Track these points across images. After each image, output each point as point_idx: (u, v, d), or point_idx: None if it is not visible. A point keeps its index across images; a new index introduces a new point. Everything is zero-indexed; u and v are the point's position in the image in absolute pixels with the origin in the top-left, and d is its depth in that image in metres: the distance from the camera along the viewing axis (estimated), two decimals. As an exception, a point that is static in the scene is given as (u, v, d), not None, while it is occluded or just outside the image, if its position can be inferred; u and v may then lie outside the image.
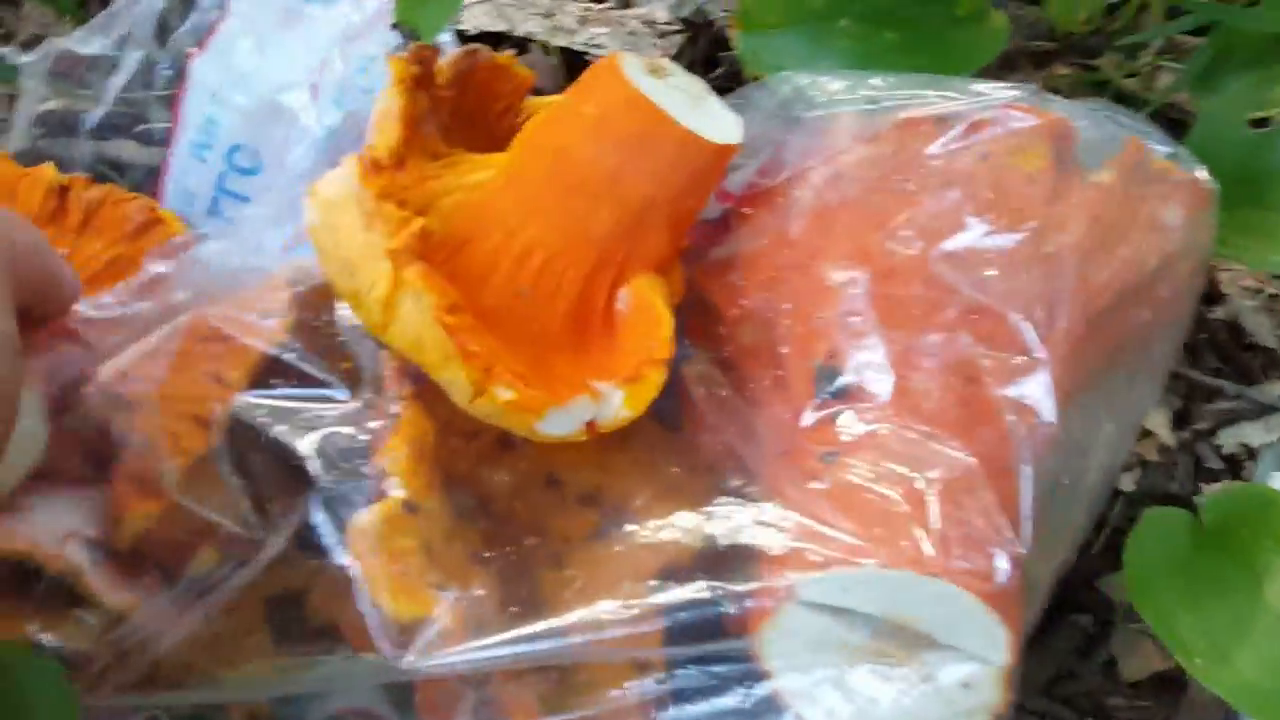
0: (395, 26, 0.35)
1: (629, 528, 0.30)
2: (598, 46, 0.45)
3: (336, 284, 0.29)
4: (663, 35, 0.47)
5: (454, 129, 0.33)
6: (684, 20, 0.48)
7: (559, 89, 0.47)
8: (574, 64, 0.47)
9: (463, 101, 0.33)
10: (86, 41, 0.46)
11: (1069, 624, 0.39)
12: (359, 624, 0.28)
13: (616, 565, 0.30)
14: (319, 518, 0.30)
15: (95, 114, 0.46)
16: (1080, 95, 0.44)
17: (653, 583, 0.28)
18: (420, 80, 0.31)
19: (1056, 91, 0.34)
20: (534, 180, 0.30)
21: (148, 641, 0.32)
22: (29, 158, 0.43)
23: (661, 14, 0.49)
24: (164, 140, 0.45)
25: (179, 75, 0.44)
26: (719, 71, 0.47)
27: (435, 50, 0.31)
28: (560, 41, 0.47)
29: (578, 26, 0.48)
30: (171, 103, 0.43)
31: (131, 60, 0.44)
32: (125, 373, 0.31)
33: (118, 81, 0.46)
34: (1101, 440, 0.31)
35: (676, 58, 0.46)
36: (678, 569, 0.29)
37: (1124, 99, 0.43)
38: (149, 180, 0.44)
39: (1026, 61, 0.45)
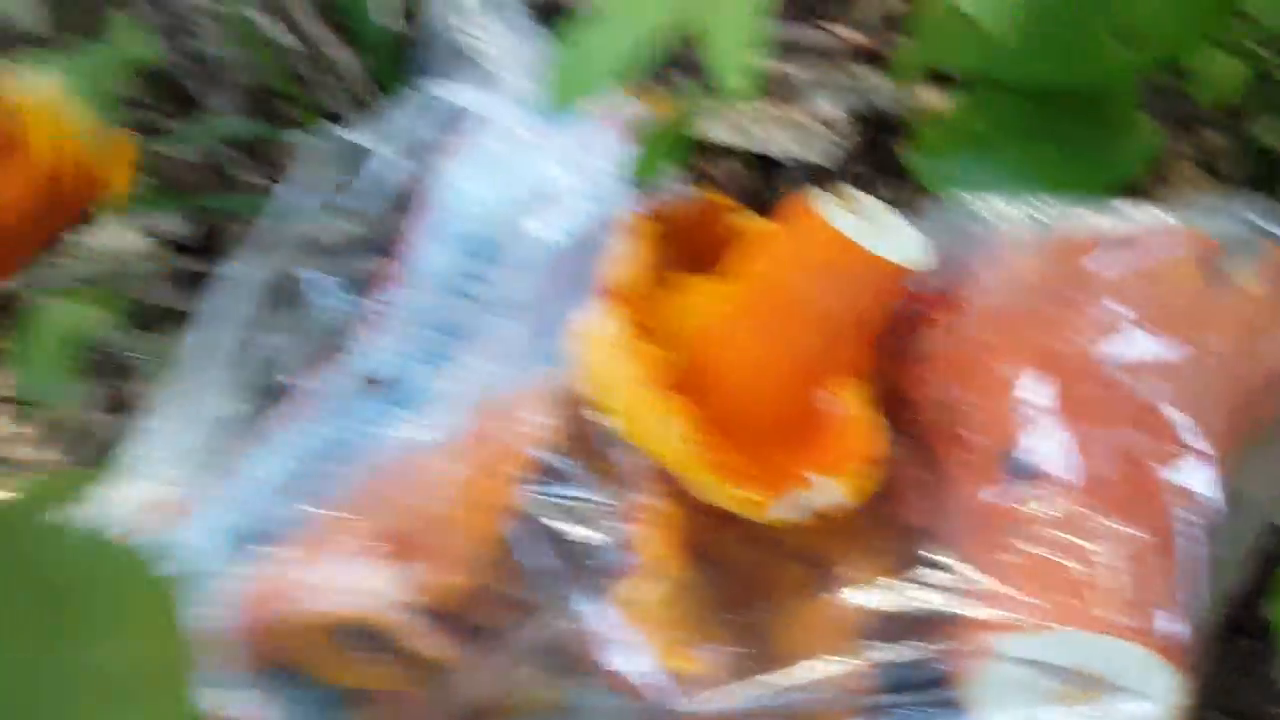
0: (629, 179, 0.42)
1: (841, 590, 0.37)
2: (780, 149, 0.52)
3: (596, 401, 0.36)
4: (839, 134, 0.53)
5: (677, 256, 0.40)
6: (856, 115, 0.53)
7: (743, 188, 0.54)
8: (753, 162, 0.54)
9: (687, 236, 0.40)
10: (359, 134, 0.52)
11: (1230, 645, 0.43)
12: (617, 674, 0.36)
13: (831, 623, 0.36)
14: (584, 588, 0.38)
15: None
16: (1236, 164, 0.48)
17: (869, 641, 0.34)
18: (658, 230, 0.38)
19: (1211, 161, 0.38)
20: (753, 309, 0.36)
21: (453, 683, 0.40)
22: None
23: (827, 107, 0.54)
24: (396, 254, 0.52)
25: (424, 185, 0.52)
26: (892, 162, 0.52)
27: (671, 207, 0.38)
28: (742, 143, 0.53)
29: (755, 126, 0.54)
30: (412, 210, 0.51)
31: (388, 160, 0.50)
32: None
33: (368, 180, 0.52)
34: (1260, 500, 0.35)
35: (853, 154, 0.52)
36: (884, 627, 0.35)
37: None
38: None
39: (1181, 132, 0.49)
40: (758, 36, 0.30)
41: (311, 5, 0.60)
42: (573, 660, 0.40)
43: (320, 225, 0.48)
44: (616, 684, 0.39)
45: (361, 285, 0.48)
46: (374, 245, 0.50)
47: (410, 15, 0.59)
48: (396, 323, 0.48)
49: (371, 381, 0.51)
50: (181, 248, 0.60)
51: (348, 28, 0.59)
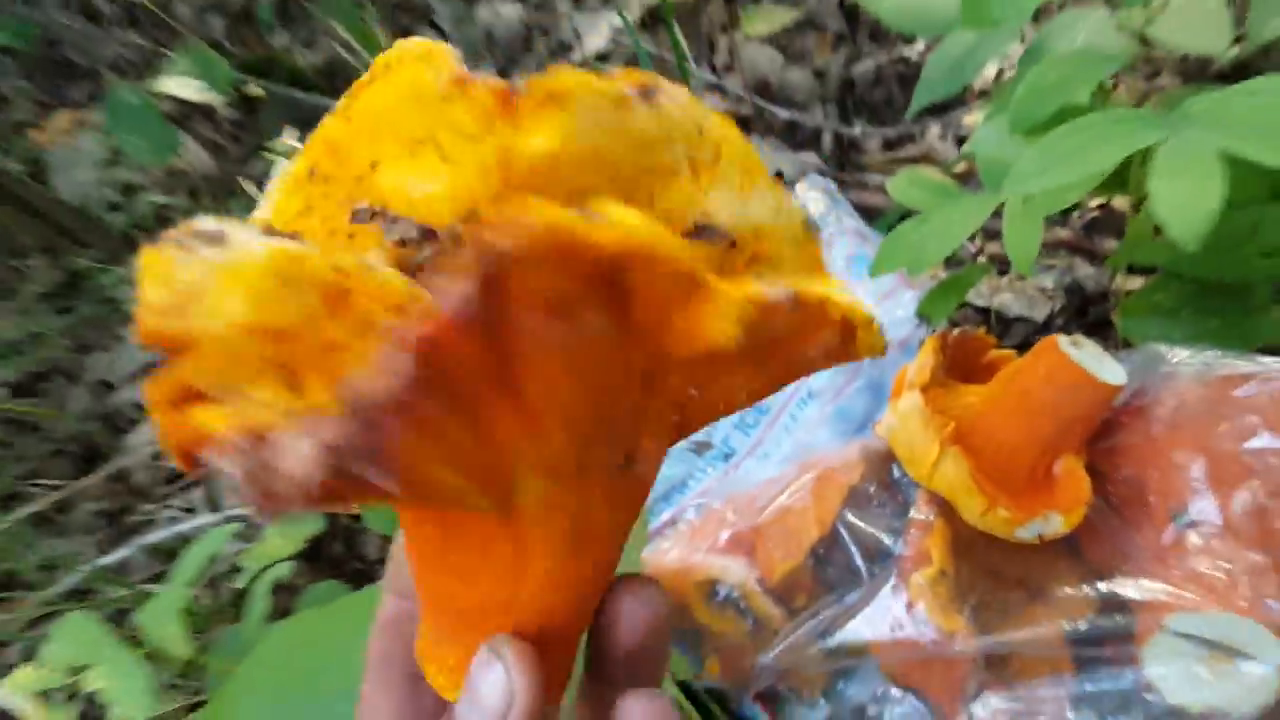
0: (917, 314, 0.64)
1: (1055, 592, 0.55)
2: (1014, 310, 0.73)
3: (900, 455, 0.57)
4: (1050, 298, 0.73)
5: (952, 368, 0.61)
6: (1064, 289, 0.74)
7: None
8: (994, 318, 0.74)
9: (960, 357, 0.61)
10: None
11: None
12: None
13: (1048, 603, 0.55)
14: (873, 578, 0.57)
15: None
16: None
17: (1074, 617, 0.53)
18: (942, 349, 0.59)
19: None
20: (1007, 408, 0.57)
21: (773, 636, 0.60)
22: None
23: (1048, 283, 0.75)
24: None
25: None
26: (1089, 319, 0.73)
27: (951, 336, 0.59)
28: (987, 303, 0.74)
29: (991, 294, 0.75)
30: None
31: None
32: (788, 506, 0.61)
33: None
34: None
35: (1064, 316, 0.72)
36: (1090, 611, 0.53)
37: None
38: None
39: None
40: (1034, 238, 0.52)
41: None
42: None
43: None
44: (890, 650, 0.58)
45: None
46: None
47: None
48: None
49: (700, 444, 0.74)
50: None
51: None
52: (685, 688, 0.64)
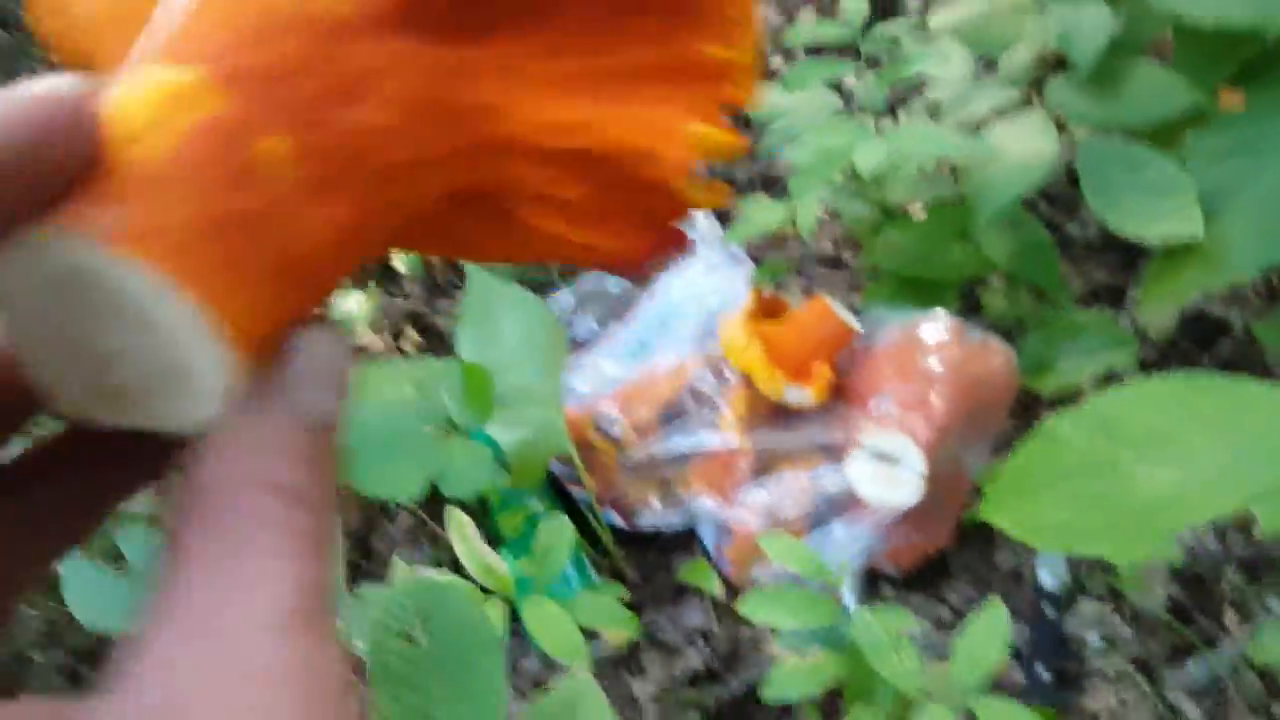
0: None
1: (807, 431, 0.92)
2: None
3: (725, 348, 0.94)
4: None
5: (760, 313, 0.98)
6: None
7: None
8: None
9: (767, 305, 0.98)
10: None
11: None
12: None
13: (804, 439, 0.91)
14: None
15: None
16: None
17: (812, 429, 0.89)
18: (759, 299, 0.97)
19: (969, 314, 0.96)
20: (793, 330, 0.94)
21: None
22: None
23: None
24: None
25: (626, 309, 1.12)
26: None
27: (765, 292, 0.97)
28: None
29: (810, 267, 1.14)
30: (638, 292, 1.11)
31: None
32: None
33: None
34: (971, 464, 0.91)
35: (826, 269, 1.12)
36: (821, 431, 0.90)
37: None
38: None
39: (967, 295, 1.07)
40: (811, 212, 0.91)
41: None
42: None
43: (605, 283, 1.09)
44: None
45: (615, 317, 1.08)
46: (621, 304, 1.11)
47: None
48: (631, 336, 1.06)
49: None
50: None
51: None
52: (571, 500, 0.97)
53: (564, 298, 1.13)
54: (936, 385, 0.89)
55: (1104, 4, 0.84)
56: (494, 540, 0.91)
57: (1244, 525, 0.91)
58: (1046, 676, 0.86)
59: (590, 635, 0.87)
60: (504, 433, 0.82)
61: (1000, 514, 0.52)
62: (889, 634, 0.63)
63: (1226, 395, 0.50)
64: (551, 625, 0.71)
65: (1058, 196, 1.16)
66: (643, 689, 0.90)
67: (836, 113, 0.93)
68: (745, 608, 0.67)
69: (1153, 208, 0.75)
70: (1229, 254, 0.75)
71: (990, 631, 0.62)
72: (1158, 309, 0.95)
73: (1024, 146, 0.80)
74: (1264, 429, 0.47)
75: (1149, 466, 0.48)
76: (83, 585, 0.79)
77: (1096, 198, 0.76)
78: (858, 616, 0.64)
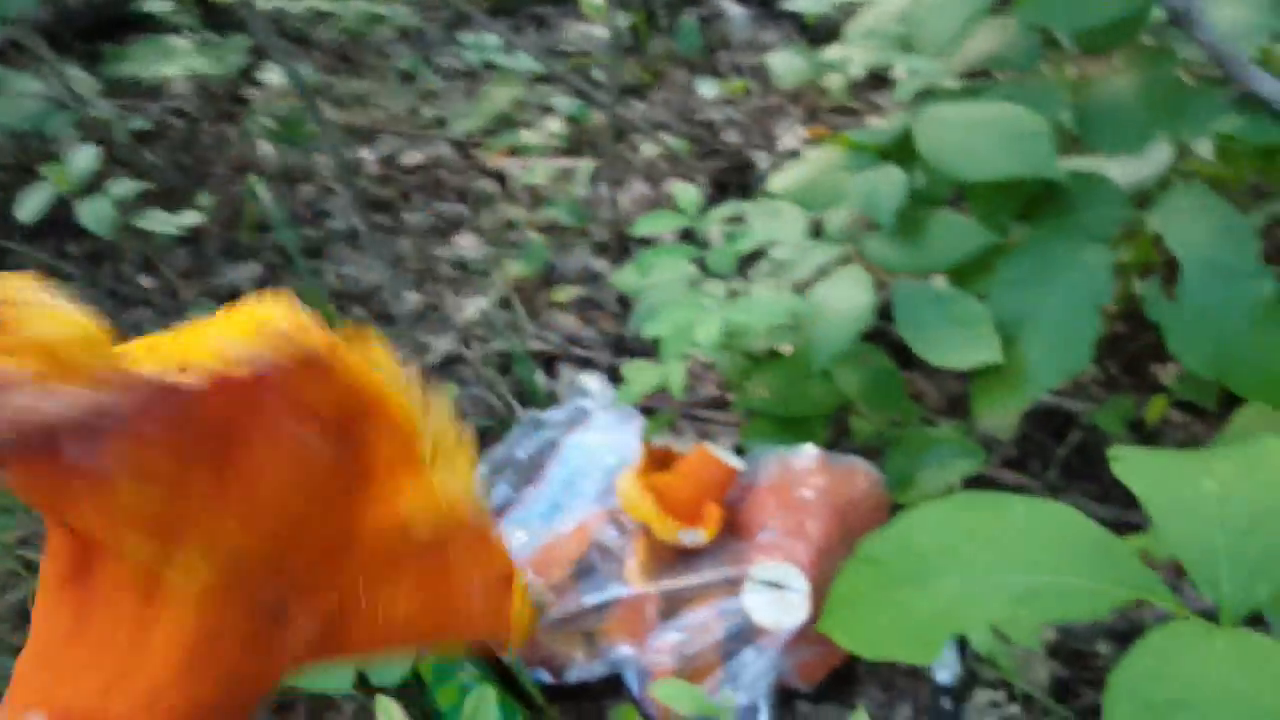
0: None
1: (704, 569, 1.01)
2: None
3: (623, 503, 1.03)
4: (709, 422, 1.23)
5: (655, 465, 1.08)
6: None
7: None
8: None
9: (660, 458, 1.08)
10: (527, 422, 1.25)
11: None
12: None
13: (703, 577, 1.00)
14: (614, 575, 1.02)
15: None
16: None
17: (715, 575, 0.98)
18: (652, 454, 1.07)
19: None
20: (682, 481, 1.04)
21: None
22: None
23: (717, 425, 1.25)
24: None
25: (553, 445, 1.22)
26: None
27: (655, 446, 1.08)
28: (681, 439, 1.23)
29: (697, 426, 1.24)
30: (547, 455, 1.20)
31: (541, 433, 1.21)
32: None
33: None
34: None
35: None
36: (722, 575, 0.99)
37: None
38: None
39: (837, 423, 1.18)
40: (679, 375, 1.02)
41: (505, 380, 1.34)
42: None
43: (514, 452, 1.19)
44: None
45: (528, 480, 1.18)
46: (530, 469, 1.20)
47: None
48: (542, 498, 1.15)
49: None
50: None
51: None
52: (503, 666, 1.04)
53: (478, 467, 1.22)
54: (811, 511, 0.99)
55: (898, 168, 0.99)
56: (431, 716, 0.97)
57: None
58: (952, 765, 0.94)
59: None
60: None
61: (834, 626, 0.61)
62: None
63: (995, 511, 0.60)
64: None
65: (908, 322, 1.30)
66: (587, 836, 0.95)
67: (691, 283, 1.06)
68: (655, 692, 0.75)
69: (956, 338, 0.87)
70: (1030, 374, 0.88)
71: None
72: (996, 418, 1.06)
73: (844, 300, 0.92)
74: (1022, 540, 0.57)
75: (937, 578, 0.58)
76: None
77: (908, 333, 0.89)
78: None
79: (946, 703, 0.97)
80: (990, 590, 0.55)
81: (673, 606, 1.01)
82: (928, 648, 0.55)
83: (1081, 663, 0.99)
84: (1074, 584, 0.53)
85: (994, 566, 0.56)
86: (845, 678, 1.03)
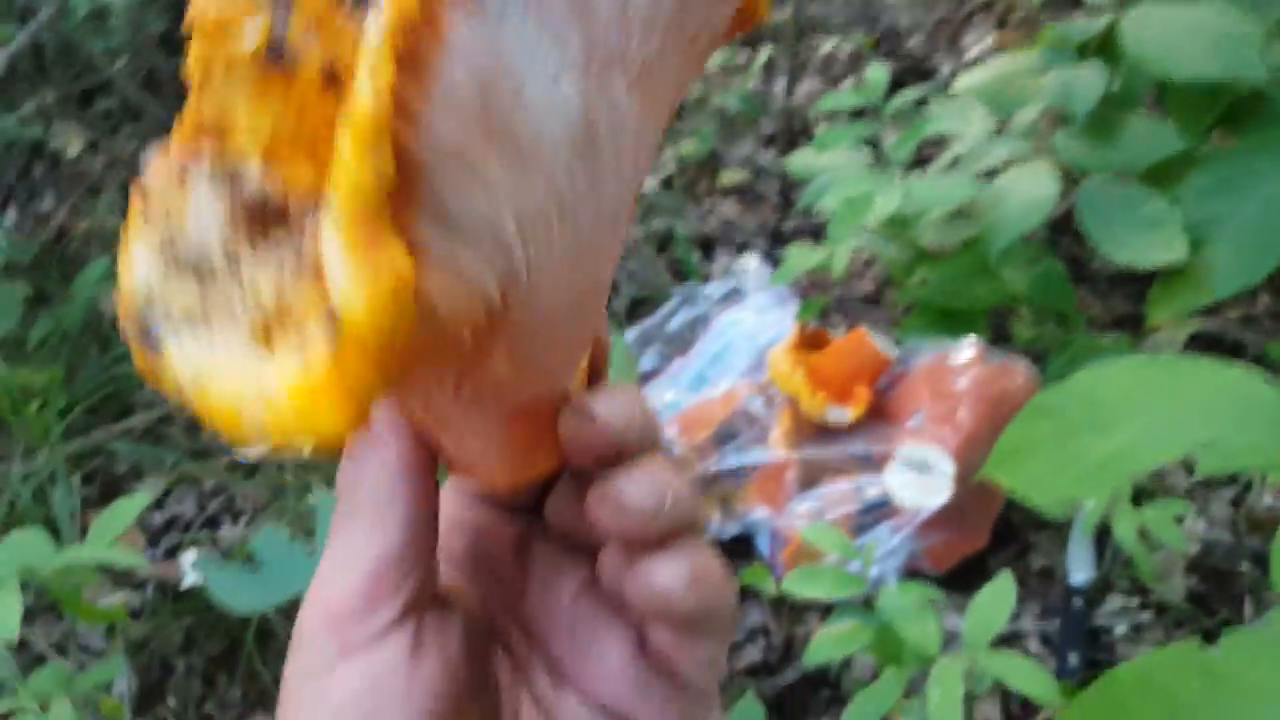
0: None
1: (848, 446, 1.02)
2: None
3: (773, 374, 1.05)
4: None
5: (804, 344, 1.10)
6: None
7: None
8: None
9: (810, 337, 1.10)
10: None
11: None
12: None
13: (844, 448, 1.02)
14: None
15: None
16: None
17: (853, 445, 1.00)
18: (803, 331, 1.08)
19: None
20: (834, 359, 1.05)
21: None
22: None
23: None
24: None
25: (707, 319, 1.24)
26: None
27: (807, 327, 1.09)
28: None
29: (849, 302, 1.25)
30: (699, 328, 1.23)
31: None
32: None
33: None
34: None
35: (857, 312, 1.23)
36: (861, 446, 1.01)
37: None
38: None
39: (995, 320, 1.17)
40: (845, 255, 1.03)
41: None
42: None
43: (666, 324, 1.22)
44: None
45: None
46: (680, 342, 1.23)
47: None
48: (689, 370, 1.19)
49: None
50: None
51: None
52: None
53: (629, 335, 1.26)
54: (963, 401, 1.00)
55: (1100, 65, 0.96)
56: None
57: (1257, 523, 0.99)
58: (1076, 664, 0.94)
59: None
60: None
61: (999, 472, 0.63)
62: (914, 603, 0.73)
63: (1177, 370, 0.60)
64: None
65: (1082, 234, 1.27)
66: (707, 680, 1.00)
67: (867, 167, 1.06)
68: (787, 584, 0.77)
69: (1144, 239, 0.86)
70: (1214, 277, 0.86)
71: (999, 597, 0.71)
72: (1167, 334, 1.04)
73: (1028, 190, 0.91)
74: (1206, 396, 0.57)
75: (1118, 424, 0.58)
76: (224, 582, 0.93)
77: (1095, 232, 0.88)
78: (886, 589, 0.75)
79: (1078, 603, 0.97)
80: (1172, 436, 0.55)
81: (811, 476, 1.03)
82: (1098, 488, 0.56)
83: (1220, 580, 0.98)
84: (1256, 439, 0.53)
85: (1177, 417, 0.56)
86: (974, 569, 1.04)
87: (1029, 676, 0.65)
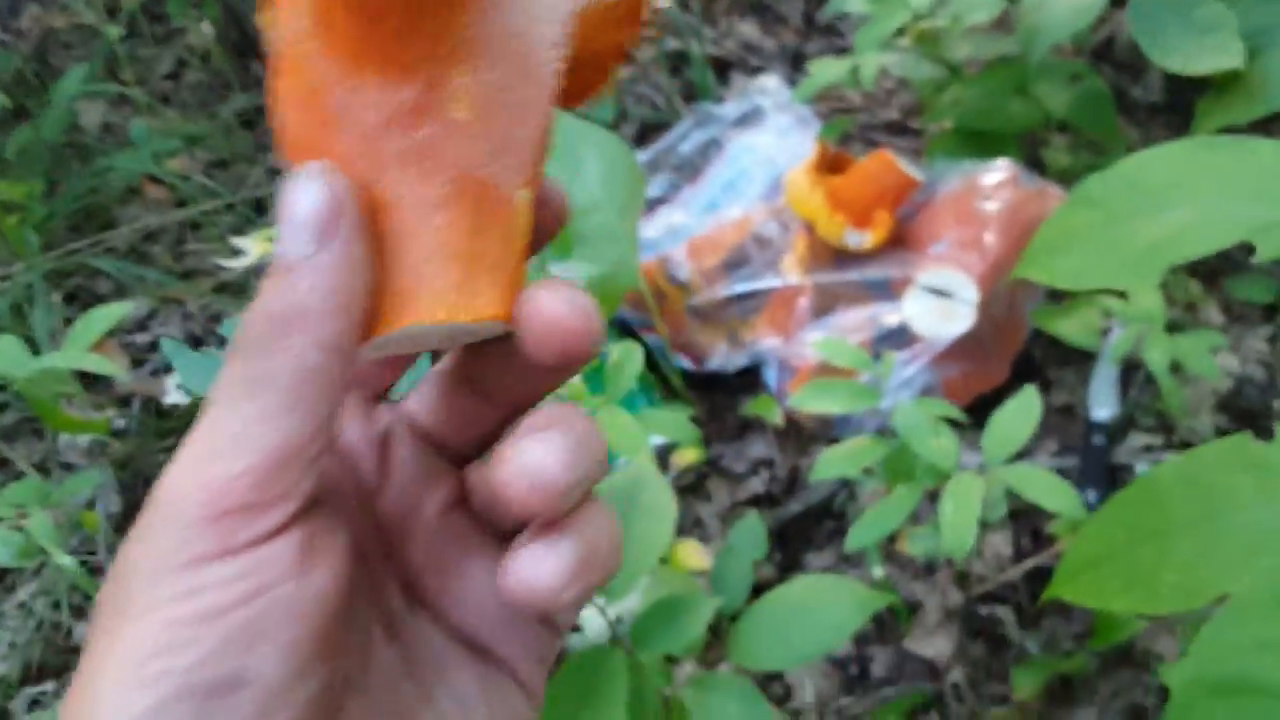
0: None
1: (868, 269, 0.97)
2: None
3: (790, 195, 0.99)
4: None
5: (824, 166, 1.03)
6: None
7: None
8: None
9: (830, 158, 1.03)
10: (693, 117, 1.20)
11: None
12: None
13: (865, 274, 0.96)
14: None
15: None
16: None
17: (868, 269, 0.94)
18: (823, 153, 1.01)
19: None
20: (856, 179, 0.99)
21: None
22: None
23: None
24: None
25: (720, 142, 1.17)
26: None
27: (829, 147, 1.02)
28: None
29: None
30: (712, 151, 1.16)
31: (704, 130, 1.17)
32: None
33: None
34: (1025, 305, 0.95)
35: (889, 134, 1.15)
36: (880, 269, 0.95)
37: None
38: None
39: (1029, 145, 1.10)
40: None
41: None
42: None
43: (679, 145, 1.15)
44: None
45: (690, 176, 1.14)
46: (692, 166, 1.16)
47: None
48: (700, 196, 1.12)
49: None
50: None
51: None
52: (646, 347, 1.03)
53: (640, 157, 1.19)
54: (991, 225, 0.93)
55: None
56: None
57: (1293, 362, 0.94)
58: (1095, 502, 0.91)
59: (661, 466, 0.94)
60: (582, 268, 0.88)
61: (1034, 268, 0.57)
62: (928, 419, 0.68)
63: (1234, 150, 0.54)
64: (620, 429, 0.78)
65: (1122, 62, 1.18)
66: (708, 511, 0.97)
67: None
68: (796, 400, 0.73)
69: (1197, 44, 0.78)
70: (1270, 87, 0.78)
71: (1022, 412, 0.67)
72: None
73: (1075, -10, 0.83)
74: (1264, 177, 0.51)
75: (1162, 211, 0.52)
76: (193, 365, 0.88)
77: (1145, 38, 0.79)
78: (899, 405, 0.70)
79: (1099, 439, 0.93)
80: (1226, 219, 0.50)
81: (825, 304, 0.98)
82: (1144, 275, 0.50)
83: (1250, 421, 0.93)
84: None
85: (1233, 199, 0.50)
86: (992, 406, 0.99)
87: (1049, 489, 0.61)
